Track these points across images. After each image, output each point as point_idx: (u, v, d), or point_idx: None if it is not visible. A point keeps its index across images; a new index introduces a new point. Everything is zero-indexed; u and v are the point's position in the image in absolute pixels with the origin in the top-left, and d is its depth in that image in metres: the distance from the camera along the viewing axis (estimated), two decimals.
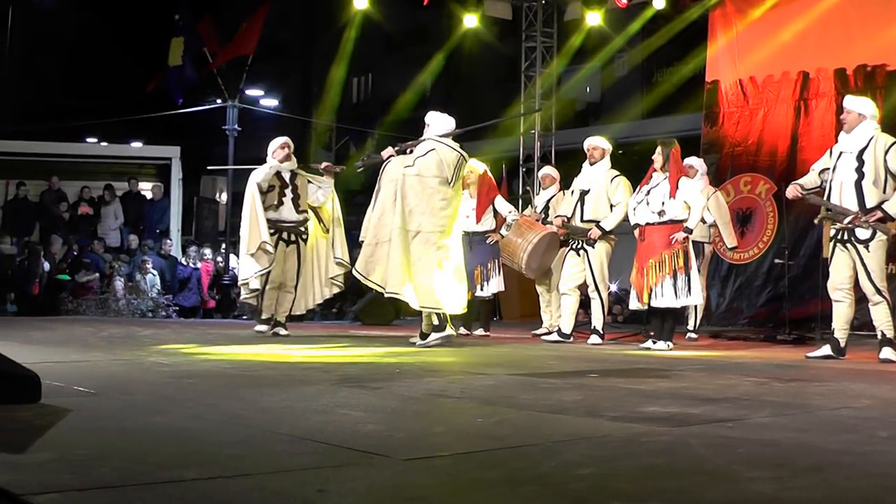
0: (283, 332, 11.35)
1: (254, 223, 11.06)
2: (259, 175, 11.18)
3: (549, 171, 13.77)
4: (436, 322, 10.14)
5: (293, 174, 11.40)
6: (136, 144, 26.76)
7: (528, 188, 18.50)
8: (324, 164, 11.73)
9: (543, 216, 13.02)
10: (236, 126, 20.80)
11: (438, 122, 10.43)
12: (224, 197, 23.88)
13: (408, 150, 10.31)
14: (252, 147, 31.38)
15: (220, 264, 20.85)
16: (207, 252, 20.83)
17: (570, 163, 18.00)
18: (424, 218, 9.96)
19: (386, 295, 10.16)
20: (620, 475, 3.36)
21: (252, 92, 27.59)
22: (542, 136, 20.38)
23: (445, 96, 37.28)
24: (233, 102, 20.88)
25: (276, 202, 11.22)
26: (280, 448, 3.75)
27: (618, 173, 11.51)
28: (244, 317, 18.32)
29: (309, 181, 11.47)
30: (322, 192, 11.48)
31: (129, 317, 18.06)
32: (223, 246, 21.35)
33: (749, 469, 3.42)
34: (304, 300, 11.69)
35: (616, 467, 3.50)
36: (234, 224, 22.72)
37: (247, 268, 11.16)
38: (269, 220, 11.12)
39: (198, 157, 27.40)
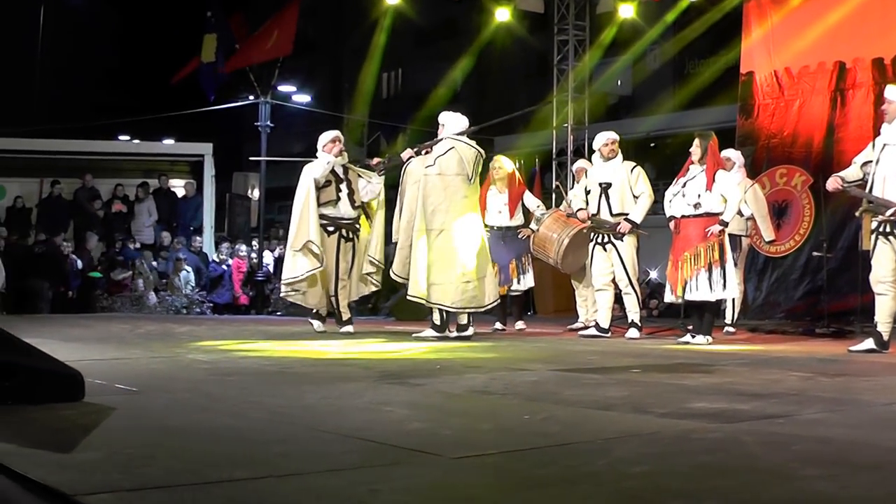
0: (350, 329, 11.21)
1: (304, 219, 10.86)
2: (316, 170, 10.96)
3: (583, 164, 13.64)
4: (437, 320, 10.43)
5: (345, 169, 11.19)
6: (169, 141, 26.82)
7: (558, 183, 18.40)
8: (375, 160, 11.52)
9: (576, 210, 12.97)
10: (269, 122, 20.78)
11: (453, 122, 10.66)
12: (256, 193, 23.87)
13: (424, 151, 10.49)
14: (284, 143, 31.44)
15: (254, 261, 20.84)
16: (242, 248, 20.86)
17: None
18: (448, 216, 10.23)
19: (407, 298, 10.43)
20: (675, 473, 3.30)
21: (284, 88, 27.60)
22: (575, 130, 20.31)
23: (476, 91, 37.26)
24: (265, 99, 20.86)
25: (333, 198, 10.99)
26: (327, 446, 3.71)
27: (635, 164, 11.53)
28: (278, 313, 18.34)
29: (360, 176, 11.29)
30: (371, 188, 11.23)
31: (163, 313, 18.11)
32: (255, 242, 21.34)
33: (805, 467, 3.36)
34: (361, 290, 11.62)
35: (669, 465, 3.44)
36: (266, 220, 22.79)
37: (297, 265, 10.93)
38: (327, 217, 10.93)
39: (230, 153, 27.49)
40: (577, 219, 11.82)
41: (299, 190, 11.03)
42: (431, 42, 37.96)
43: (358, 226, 11.18)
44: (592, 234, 11.54)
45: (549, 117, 20.91)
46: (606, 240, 11.36)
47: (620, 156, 11.52)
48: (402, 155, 10.58)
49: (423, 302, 10.36)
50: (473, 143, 10.56)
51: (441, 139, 10.52)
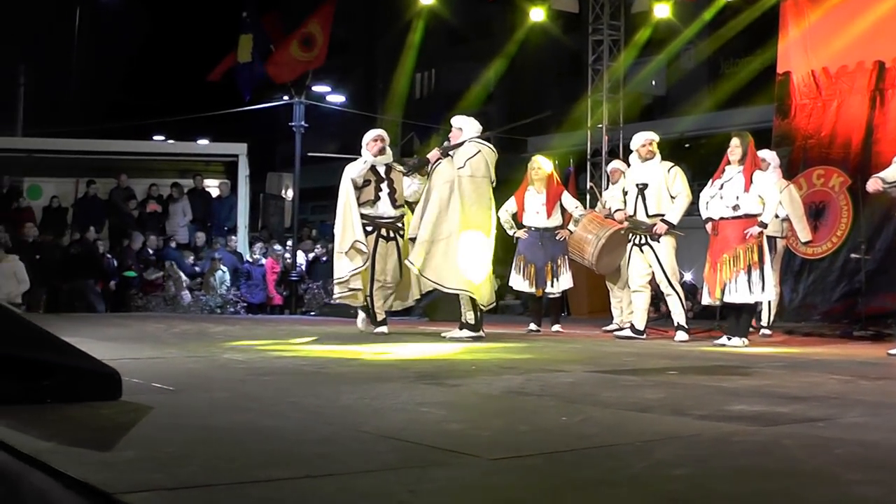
0: (384, 329, 11.13)
1: (347, 220, 10.90)
2: (353, 170, 10.97)
3: (617, 165, 13.61)
4: (471, 320, 10.51)
5: (388, 168, 11.13)
6: (203, 142, 26.93)
7: (591, 184, 18.37)
8: (410, 162, 11.47)
9: (612, 211, 12.92)
10: (303, 122, 20.83)
11: (471, 126, 10.78)
12: (290, 193, 23.93)
13: (450, 152, 10.51)
14: (318, 143, 31.49)
15: (287, 261, 20.91)
16: (276, 248, 20.93)
17: None
18: (478, 216, 10.46)
19: (446, 291, 10.41)
20: (716, 476, 3.27)
21: (318, 88, 27.69)
22: (610, 131, 20.28)
23: (509, 91, 37.24)
24: (299, 99, 20.92)
25: (372, 197, 10.97)
26: (365, 447, 3.70)
27: (673, 164, 11.43)
28: (312, 313, 18.39)
29: (404, 174, 11.26)
30: (415, 188, 11.22)
31: (197, 313, 18.19)
32: (289, 242, 21.41)
33: (849, 471, 3.32)
34: (406, 296, 11.53)
35: (711, 468, 3.41)
36: (300, 221, 22.84)
37: (342, 266, 10.96)
38: (366, 217, 10.92)
39: (264, 153, 27.58)
40: (615, 220, 11.78)
41: (340, 192, 11.07)
42: (465, 42, 38.02)
43: (400, 225, 11.09)
44: (630, 236, 11.47)
45: (583, 117, 20.88)
46: (643, 241, 11.29)
47: (658, 156, 11.44)
48: (428, 156, 10.66)
49: (470, 294, 10.49)
50: (491, 146, 10.82)
51: (465, 142, 10.63)
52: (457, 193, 10.33)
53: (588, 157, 20.41)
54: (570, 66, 32.07)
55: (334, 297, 11.68)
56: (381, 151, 11.11)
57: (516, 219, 12.49)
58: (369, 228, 10.99)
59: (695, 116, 25.20)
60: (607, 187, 14.10)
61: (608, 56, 20.03)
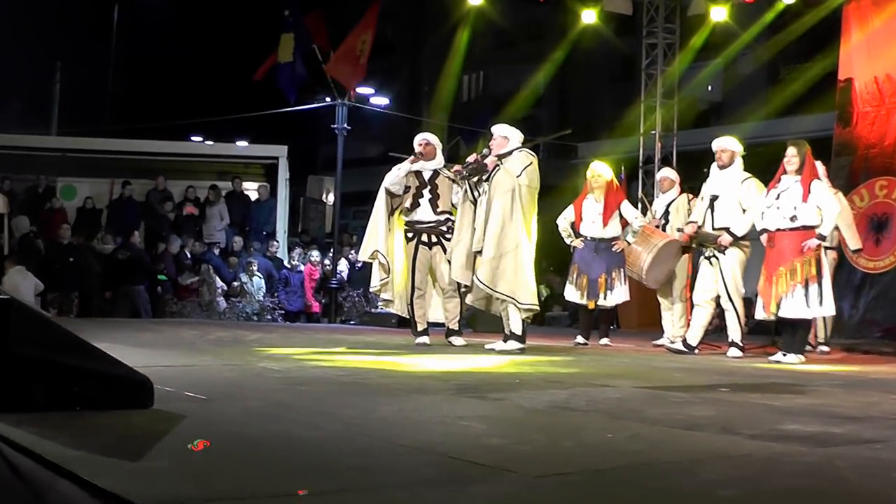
0: (457, 341, 11.07)
1: (372, 228, 11.06)
2: (388, 178, 11.08)
3: (667, 173, 13.53)
4: (518, 330, 10.42)
5: (435, 173, 11.14)
6: (242, 143, 27.04)
7: (642, 195, 18.29)
8: (455, 168, 11.37)
9: (663, 222, 12.84)
10: (345, 125, 20.90)
11: (515, 134, 10.77)
12: (331, 198, 24.02)
13: (501, 160, 10.46)
14: (361, 146, 31.58)
15: (327, 267, 20.94)
16: (315, 254, 20.94)
17: (691, 165, 17.80)
18: (531, 230, 10.49)
19: (522, 308, 10.29)
20: (765, 498, 3.26)
21: (362, 90, 27.75)
22: (663, 137, 20.23)
23: (560, 94, 37.22)
24: (342, 101, 20.99)
25: (409, 204, 11.04)
26: (403, 460, 3.71)
27: (749, 175, 11.12)
28: (351, 322, 18.43)
29: (452, 181, 11.24)
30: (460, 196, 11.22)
31: (233, 320, 18.25)
32: (330, 248, 21.46)
33: None
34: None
35: (761, 489, 3.39)
36: (341, 226, 22.89)
37: (374, 276, 11.17)
38: (408, 223, 11.07)
39: (305, 156, 27.67)
40: (684, 231, 11.72)
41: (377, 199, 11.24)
42: (514, 44, 37.97)
43: (444, 229, 11.05)
44: (702, 249, 11.34)
45: (635, 123, 20.83)
46: (711, 253, 11.17)
47: (737, 166, 11.24)
48: (486, 162, 10.55)
49: (536, 309, 10.67)
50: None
51: (515, 149, 10.61)
52: (518, 203, 10.31)
53: (640, 164, 20.36)
54: (622, 70, 31.95)
55: (379, 304, 11.89)
56: (419, 156, 11.16)
57: (574, 228, 12.50)
58: (409, 235, 11.10)
59: (752, 123, 25.00)
60: (658, 197, 14.03)
61: (662, 60, 19.97)
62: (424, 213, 11.06)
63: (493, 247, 10.22)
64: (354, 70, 21.19)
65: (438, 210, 11.06)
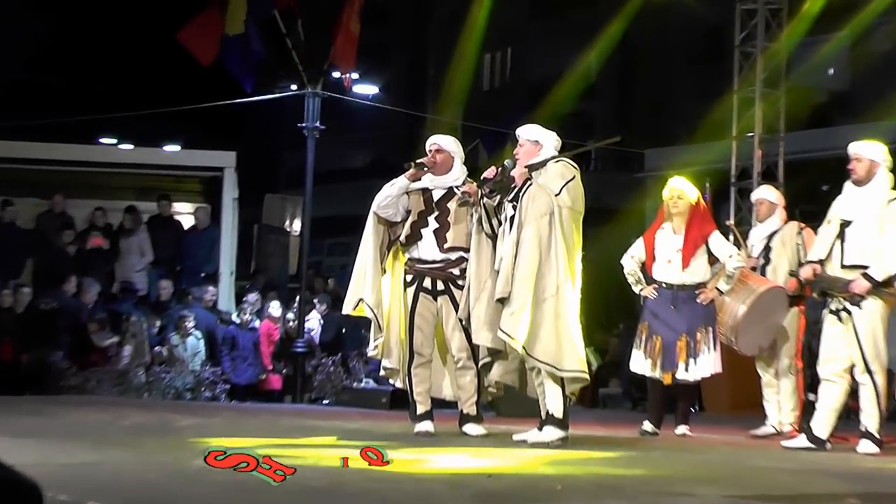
0: (475, 430, 10.98)
1: (358, 269, 10.99)
2: (379, 196, 11.02)
3: (765, 194, 13.43)
4: (558, 412, 10.24)
5: (449, 193, 11.04)
6: (173, 148, 27.07)
7: (730, 223, 18.10)
8: (463, 189, 11.20)
9: (762, 262, 12.78)
10: (318, 123, 20.88)
11: (549, 139, 10.76)
12: (297, 226, 24.01)
13: (536, 170, 10.41)
14: (341, 153, 31.63)
15: (291, 324, 20.84)
16: (274, 305, 20.82)
17: (805, 180, 17.82)
18: (575, 268, 10.38)
19: (567, 376, 10.16)
20: None
21: (339, 74, 27.76)
22: (765, 142, 20.22)
23: (619, 82, 37.31)
24: (314, 89, 20.99)
25: (407, 234, 10.99)
26: None
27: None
28: (325, 401, 18.40)
29: (462, 204, 11.04)
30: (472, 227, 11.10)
31: (158, 397, 18.21)
32: (297, 297, 21.35)
33: None
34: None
35: None
36: (311, 264, 22.89)
37: (371, 335, 11.18)
38: (409, 260, 11.06)
39: (261, 167, 27.67)
40: (800, 275, 11.58)
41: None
42: (555, 13, 38.14)
43: (455, 272, 10.94)
44: (826, 299, 11.19)
45: (726, 122, 20.84)
46: (840, 306, 10.96)
47: (884, 182, 10.98)
48: (513, 173, 10.40)
49: (585, 378, 10.51)
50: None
51: (551, 159, 10.53)
52: (558, 231, 10.14)
53: (732, 179, 20.34)
54: (707, 49, 32.04)
55: (381, 374, 11.79)
56: (441, 167, 11.07)
57: (644, 270, 12.39)
58: (409, 278, 11.02)
59: (893, 122, 25.06)
60: (755, 225, 13.92)
61: (764, 34, 19.99)
62: (427, 248, 10.97)
63: (524, 292, 10.03)
64: (345, 43, 21.18)
65: (447, 245, 10.92)
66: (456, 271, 10.94)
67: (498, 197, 10.51)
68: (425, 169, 11.05)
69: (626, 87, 36.96)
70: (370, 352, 11.33)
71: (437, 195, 11.03)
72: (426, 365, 11.05)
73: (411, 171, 11.01)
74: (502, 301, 10.19)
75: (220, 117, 25.31)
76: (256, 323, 20.41)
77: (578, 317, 10.41)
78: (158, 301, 20.71)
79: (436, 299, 10.98)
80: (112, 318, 19.83)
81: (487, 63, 40.98)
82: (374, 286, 10.94)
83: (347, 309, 11.21)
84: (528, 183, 10.31)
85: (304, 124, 20.81)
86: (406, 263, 11.06)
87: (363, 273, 10.98)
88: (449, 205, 10.99)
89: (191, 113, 24.63)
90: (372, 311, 10.90)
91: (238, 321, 20.41)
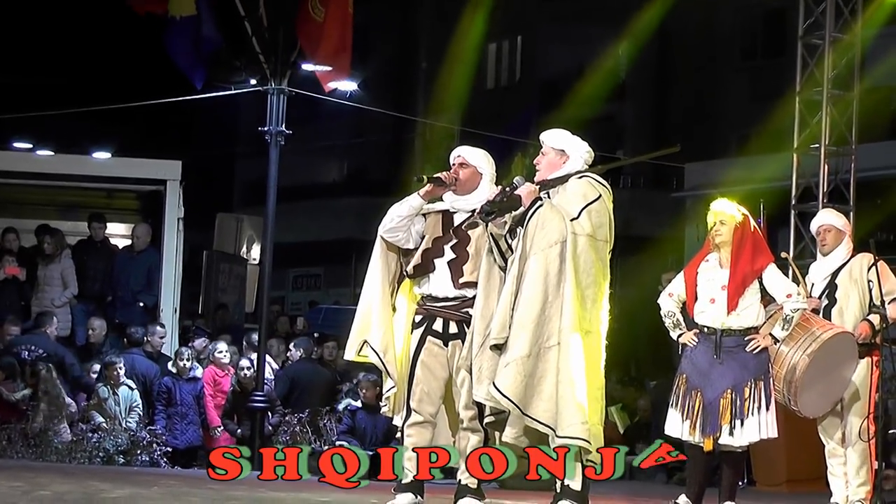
0: (411, 501, 10.82)
1: (364, 305, 10.91)
2: (386, 217, 10.91)
3: (831, 219, 13.43)
4: (576, 483, 10.16)
5: (472, 217, 10.78)
6: (103, 156, 27.09)
7: (786, 255, 18.15)
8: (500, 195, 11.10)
9: (825, 303, 12.82)
10: (283, 127, 20.95)
11: (577, 149, 10.62)
12: (256, 253, 24.08)
13: (548, 191, 10.29)
14: (311, 164, 31.69)
15: (245, 372, 20.78)
16: (222, 348, 20.75)
17: (882, 203, 17.91)
18: (596, 310, 10.20)
19: (572, 444, 10.12)
20: None
21: (313, 67, 27.82)
22: (833, 155, 20.29)
23: (656, 79, 37.41)
24: (278, 84, 21.07)
25: (416, 265, 10.86)
26: None
27: None
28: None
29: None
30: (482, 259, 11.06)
31: (83, 462, 18.22)
32: (254, 338, 21.34)
33: None
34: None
35: None
36: (273, 300, 22.92)
37: (383, 386, 11.15)
38: (420, 297, 10.92)
39: (212, 180, 27.66)
40: (867, 324, 11.65)
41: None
42: None
43: (470, 312, 10.69)
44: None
45: (786, 131, 20.93)
46: None
47: None
48: (519, 192, 10.29)
49: (586, 447, 10.10)
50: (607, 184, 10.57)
51: (574, 175, 10.34)
52: (569, 265, 9.95)
53: (793, 200, 20.42)
54: (763, 40, 32.21)
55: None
56: (465, 185, 10.87)
57: (686, 311, 12.37)
58: (418, 318, 10.92)
59: None
60: (818, 259, 13.93)
61: (834, 23, 20.10)
62: (439, 283, 10.82)
63: (523, 339, 9.98)
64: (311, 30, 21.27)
65: (462, 280, 10.76)
66: (470, 311, 10.71)
67: (505, 220, 10.44)
68: (444, 185, 10.90)
69: (662, 86, 37.09)
70: (384, 409, 11.16)
71: (458, 219, 10.88)
72: (424, 426, 10.89)
73: (427, 187, 10.92)
74: (498, 347, 10.07)
75: (163, 118, 25.38)
76: (198, 371, 20.16)
77: (601, 368, 10.23)
78: (87, 342, 20.65)
79: (446, 345, 10.82)
80: (22, 364, 19.76)
81: (492, 55, 41.10)
82: (382, 326, 10.79)
83: (350, 354, 11.02)
84: (538, 204, 10.13)
85: (265, 128, 20.85)
86: (418, 302, 10.93)
87: (368, 310, 10.87)
88: (471, 231, 10.84)
89: (126, 113, 24.67)
90: (378, 356, 10.75)
91: (174, 370, 20.14)
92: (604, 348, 10.28)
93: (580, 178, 10.31)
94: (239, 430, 20.18)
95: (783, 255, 17.02)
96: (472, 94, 30.59)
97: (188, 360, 19.78)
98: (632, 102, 36.50)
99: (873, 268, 12.49)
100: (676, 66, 36.62)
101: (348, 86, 27.45)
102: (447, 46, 28.85)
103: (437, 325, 10.76)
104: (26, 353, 19.68)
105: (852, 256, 12.80)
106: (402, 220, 10.77)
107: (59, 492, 11.80)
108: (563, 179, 10.36)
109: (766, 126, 22.62)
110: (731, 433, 11.97)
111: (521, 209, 10.16)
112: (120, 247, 22.17)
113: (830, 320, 12.41)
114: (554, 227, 10.02)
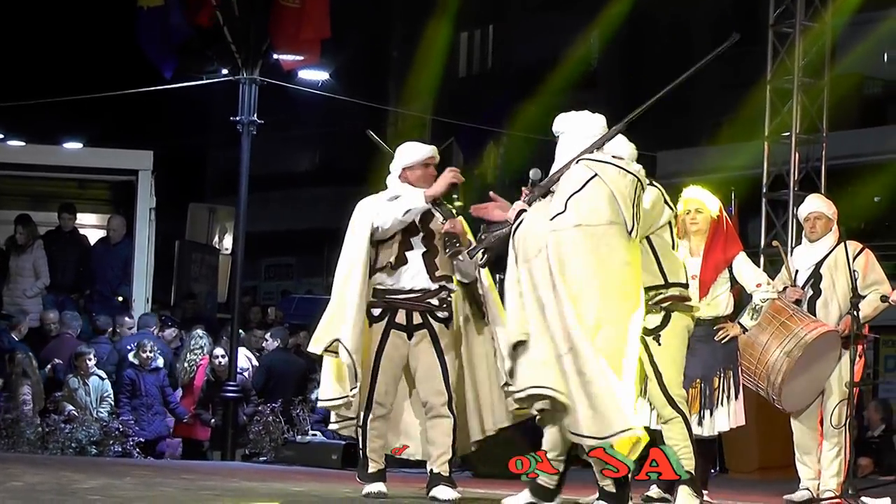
0: (445, 494, 10.69)
1: (340, 300, 10.81)
2: (383, 212, 10.75)
3: (816, 205, 13.41)
4: (609, 486, 9.66)
5: (439, 209, 10.91)
6: (74, 146, 27.04)
7: (776, 243, 18.14)
8: (446, 226, 11.05)
9: (811, 293, 12.82)
10: (254, 116, 20.92)
11: (582, 127, 10.09)
12: (228, 243, 24.05)
13: (551, 190, 9.98)
14: (283, 154, 31.68)
15: (220, 361, 20.72)
16: (200, 337, 20.71)
17: (853, 190, 17.93)
18: (603, 301, 9.54)
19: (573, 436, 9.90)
20: None
21: (285, 56, 27.80)
22: (803, 143, 20.31)
23: (626, 68, 37.45)
24: (250, 74, 21.05)
25: (392, 258, 10.81)
26: None
27: None
28: (261, 458, 18.40)
29: (451, 249, 10.95)
30: (464, 267, 10.92)
31: (55, 453, 18.18)
32: (227, 330, 21.32)
33: None
34: (471, 430, 11.27)
35: None
36: (245, 290, 22.91)
37: (326, 383, 11.02)
38: (378, 290, 10.86)
39: (184, 170, 27.59)
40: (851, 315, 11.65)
41: (346, 243, 10.96)
42: None
43: (435, 302, 10.85)
44: None
45: (757, 119, 20.95)
46: None
47: None
48: (508, 215, 10.03)
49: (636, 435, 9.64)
50: (628, 163, 10.07)
51: (570, 162, 9.78)
52: (556, 267, 9.30)
53: (764, 188, 20.43)
54: (736, 29, 32.16)
55: (331, 424, 11.61)
56: (431, 182, 10.91)
57: None
58: (376, 312, 10.86)
59: None
60: (797, 244, 13.92)
61: (804, 11, 20.12)
62: (413, 276, 10.84)
63: (545, 344, 9.31)
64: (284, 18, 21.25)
65: (438, 273, 10.85)
66: (435, 301, 10.83)
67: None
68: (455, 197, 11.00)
69: (633, 74, 37.12)
70: (329, 402, 11.02)
71: (428, 213, 10.88)
72: (386, 418, 10.94)
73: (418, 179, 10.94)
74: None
75: (134, 109, 25.34)
76: (160, 361, 19.97)
77: (628, 358, 9.52)
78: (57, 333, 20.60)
79: (410, 337, 10.83)
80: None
81: (464, 43, 41.09)
82: (356, 327, 10.69)
83: (317, 348, 10.93)
84: (523, 217, 9.68)
85: (237, 118, 20.84)
86: (375, 294, 10.84)
87: (342, 306, 10.77)
88: (431, 225, 10.85)
89: (98, 103, 24.61)
90: (350, 356, 10.63)
91: (136, 361, 19.86)
92: (632, 334, 9.69)
93: (577, 164, 9.73)
94: (213, 420, 20.17)
95: (774, 243, 16.93)
96: (444, 83, 30.56)
97: (150, 351, 19.55)
98: (602, 90, 36.52)
99: (860, 256, 12.47)
100: (648, 53, 36.66)
101: (320, 75, 27.45)
102: (419, 35, 28.84)
103: (400, 318, 10.74)
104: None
105: (837, 244, 12.69)
106: (394, 217, 10.73)
107: (31, 483, 11.77)
108: (561, 172, 9.79)
109: (738, 114, 22.66)
110: (700, 423, 11.87)
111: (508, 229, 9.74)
112: (91, 237, 22.11)
113: (815, 313, 12.36)
114: (534, 235, 9.54)
